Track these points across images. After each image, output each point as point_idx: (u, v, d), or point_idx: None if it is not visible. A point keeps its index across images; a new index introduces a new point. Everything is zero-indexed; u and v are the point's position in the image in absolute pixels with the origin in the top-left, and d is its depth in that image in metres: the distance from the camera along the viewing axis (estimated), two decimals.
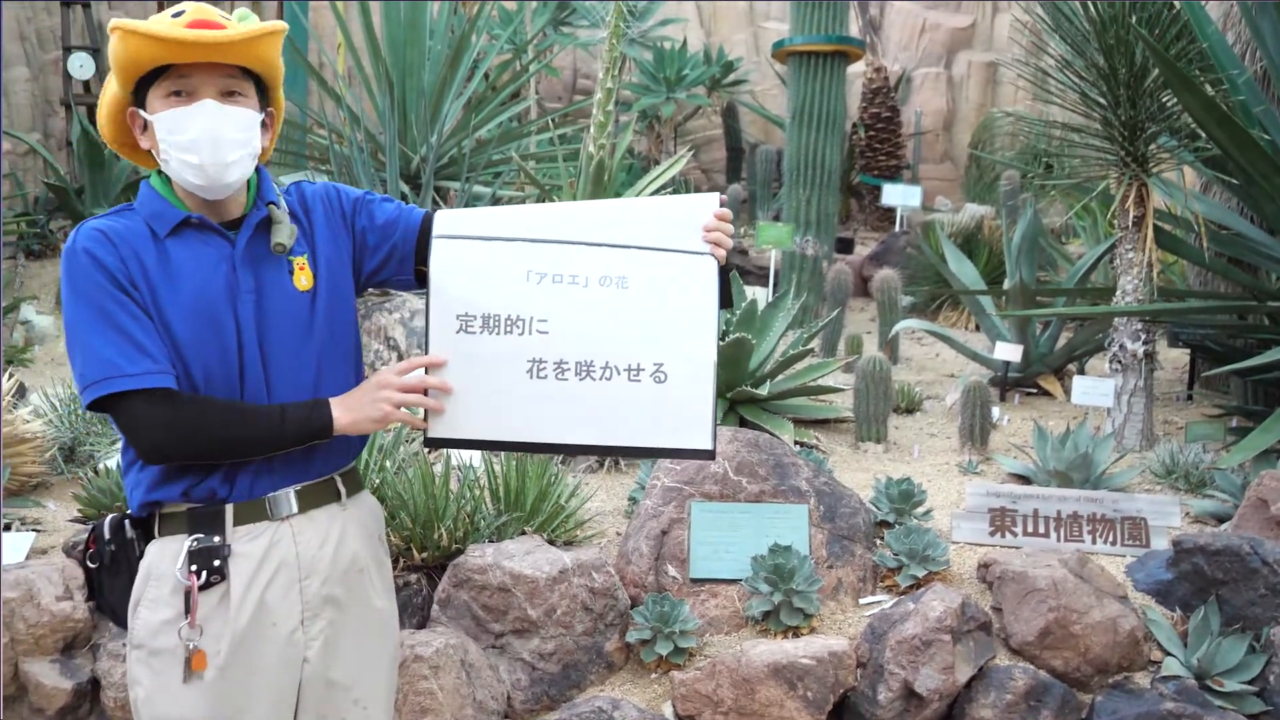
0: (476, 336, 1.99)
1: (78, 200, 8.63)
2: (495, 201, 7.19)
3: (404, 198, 6.92)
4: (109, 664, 3.34)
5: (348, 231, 2.08)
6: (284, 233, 1.96)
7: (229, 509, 1.92)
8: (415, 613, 3.50)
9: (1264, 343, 5.16)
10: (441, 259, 2.03)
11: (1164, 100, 4.96)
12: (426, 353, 2.02)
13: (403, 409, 1.95)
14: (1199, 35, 4.93)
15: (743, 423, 5.03)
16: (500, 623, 3.38)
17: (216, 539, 1.90)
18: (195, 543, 1.89)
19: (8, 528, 3.81)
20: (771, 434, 4.37)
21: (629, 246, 2.03)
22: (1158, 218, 5.29)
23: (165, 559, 1.91)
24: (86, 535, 2.02)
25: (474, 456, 4.14)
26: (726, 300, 2.06)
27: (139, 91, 1.92)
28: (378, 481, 3.66)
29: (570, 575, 3.41)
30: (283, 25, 1.94)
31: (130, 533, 1.96)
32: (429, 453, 3.97)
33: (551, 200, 6.23)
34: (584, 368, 1.99)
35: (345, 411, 1.93)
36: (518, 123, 9.19)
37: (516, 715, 3.32)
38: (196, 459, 1.89)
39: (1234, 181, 5.19)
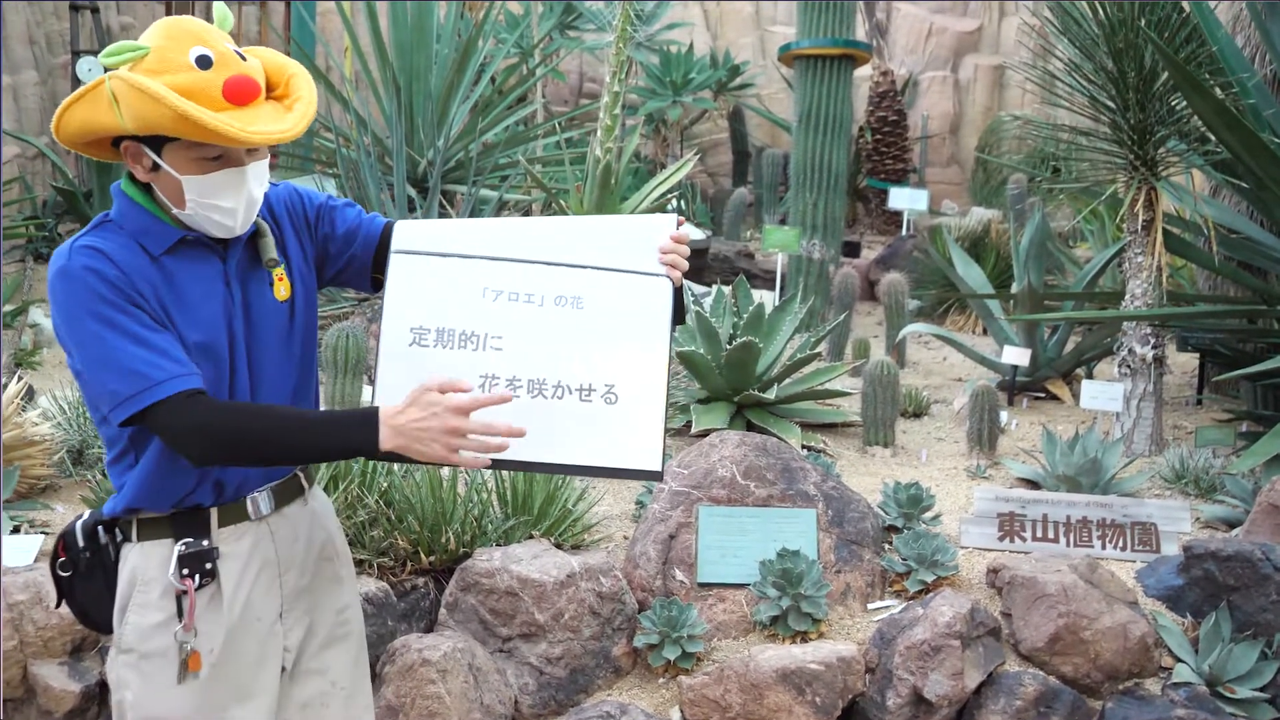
0: (429, 350, 2.01)
1: (86, 204, 8.64)
2: (502, 204, 7.19)
3: (411, 202, 6.92)
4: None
5: (311, 239, 2.10)
6: (272, 246, 1.98)
7: (213, 512, 1.95)
8: (423, 616, 3.50)
9: (1274, 347, 5.14)
10: (398, 273, 2.04)
11: (1173, 104, 4.94)
12: (377, 363, 2.03)
13: (456, 455, 1.85)
14: (1209, 38, 4.91)
15: (750, 427, 5.02)
16: (508, 627, 3.37)
17: (204, 542, 1.93)
18: (184, 547, 1.92)
19: (16, 530, 3.81)
20: (779, 438, 4.36)
21: (585, 267, 2.05)
22: (1167, 221, 5.27)
23: (151, 564, 1.93)
24: (55, 541, 2.01)
25: None
26: (679, 318, 2.08)
27: (153, 136, 1.85)
28: (385, 485, 3.65)
29: (578, 579, 3.40)
30: (313, 89, 1.94)
31: (104, 537, 1.97)
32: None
33: (559, 204, 6.22)
34: (536, 385, 2.00)
35: (395, 435, 1.83)
36: (524, 126, 9.19)
37: (524, 719, 3.31)
38: (238, 465, 1.91)
39: (1244, 185, 5.17)
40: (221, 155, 1.86)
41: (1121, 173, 5.14)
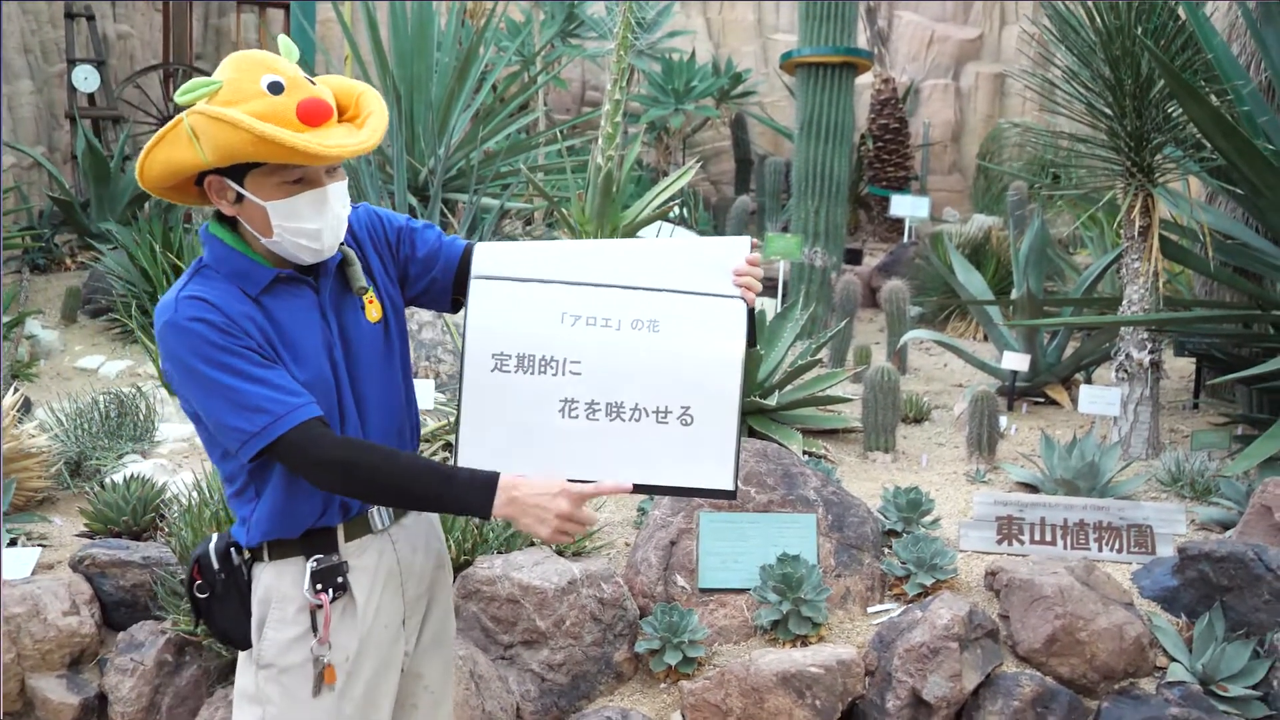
0: (511, 375, 2.05)
1: (83, 214, 8.67)
2: (504, 213, 7.22)
3: (412, 210, 6.96)
4: (116, 679, 3.36)
5: (394, 260, 2.15)
6: (360, 274, 2.03)
7: (340, 528, 2.03)
8: None
9: (1269, 351, 5.17)
10: (479, 299, 2.08)
11: (1170, 111, 4.98)
12: (461, 387, 2.07)
13: (564, 536, 1.94)
14: (1204, 46, 4.95)
15: (751, 433, 5.05)
16: (509, 634, 3.40)
17: (334, 557, 2.01)
18: (315, 563, 1.99)
19: (13, 543, 3.84)
20: (780, 444, 4.39)
21: (661, 290, 2.08)
22: (1164, 228, 5.30)
23: (285, 581, 2.00)
24: (191, 565, 2.08)
25: None
26: (751, 340, 2.11)
27: (235, 166, 1.89)
28: None
29: (579, 586, 3.43)
30: (384, 105, 1.99)
31: (237, 559, 2.03)
32: None
33: (560, 212, 6.25)
34: (614, 409, 2.04)
35: (509, 505, 1.90)
36: (526, 134, 9.23)
37: None
38: (357, 498, 1.97)
39: (1239, 192, 5.20)
40: (302, 179, 1.90)
41: (1119, 179, 5.17)
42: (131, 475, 4.06)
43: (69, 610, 3.41)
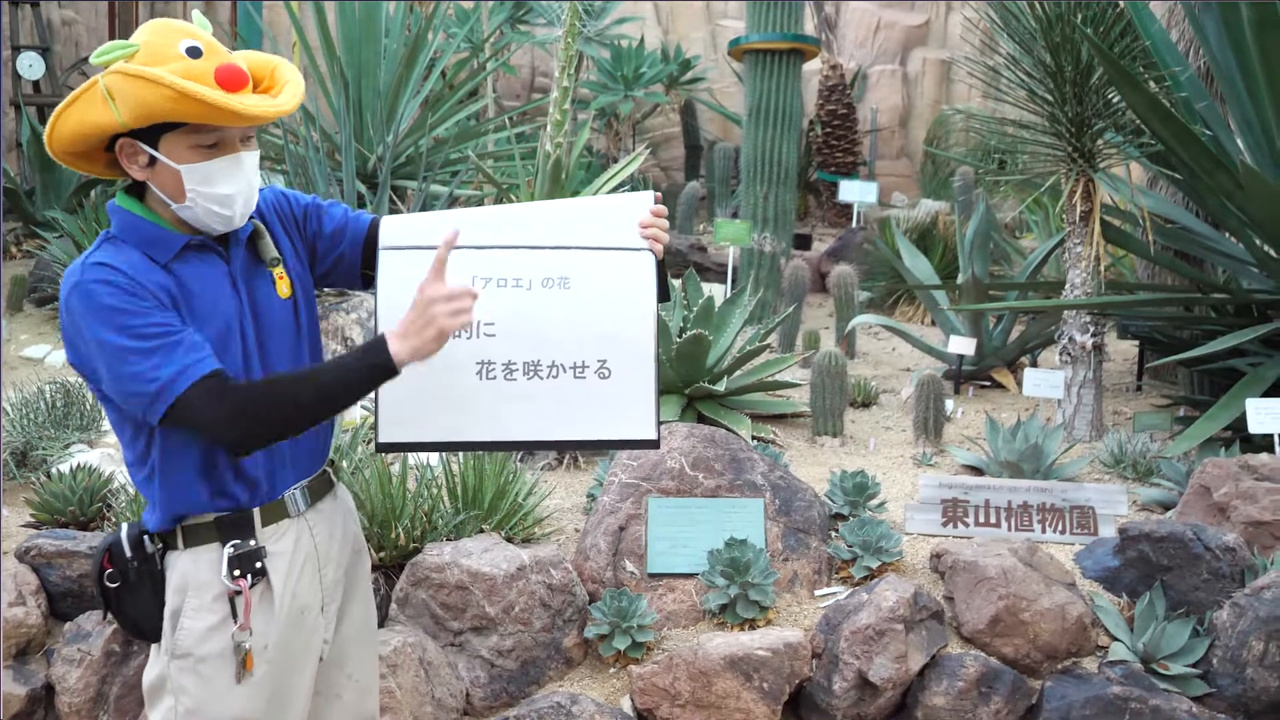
0: None
1: (28, 202, 8.51)
2: (453, 200, 7.18)
3: (360, 198, 6.90)
4: (63, 669, 3.32)
5: (301, 238, 2.14)
6: (271, 245, 2.03)
7: (256, 513, 2.00)
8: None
9: (1209, 334, 5.28)
10: (388, 270, 2.09)
11: (1109, 97, 5.05)
12: None
13: (459, 317, 1.89)
14: (1142, 33, 5.03)
15: (700, 419, 5.07)
16: (459, 621, 3.39)
17: (252, 542, 1.98)
18: (233, 548, 1.96)
19: None
20: (729, 429, 4.41)
21: (569, 247, 2.10)
22: (1105, 212, 5.39)
23: (202, 568, 1.96)
24: (100, 555, 2.02)
25: (431, 455, 4.15)
26: (665, 294, 2.14)
27: (149, 129, 1.87)
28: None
29: (528, 572, 3.43)
30: (298, 73, 1.99)
31: (150, 547, 1.99)
32: (386, 456, 3.96)
33: (510, 199, 6.23)
34: (531, 367, 2.07)
35: (402, 341, 1.88)
36: (475, 121, 9.17)
37: (476, 712, 3.34)
38: (278, 437, 1.91)
39: (1178, 176, 5.30)
40: (217, 143, 1.89)
41: (1061, 164, 5.25)
42: (78, 465, 4.01)
43: (15, 601, 3.37)
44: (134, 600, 2.01)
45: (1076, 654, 3.40)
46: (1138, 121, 5.00)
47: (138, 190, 1.97)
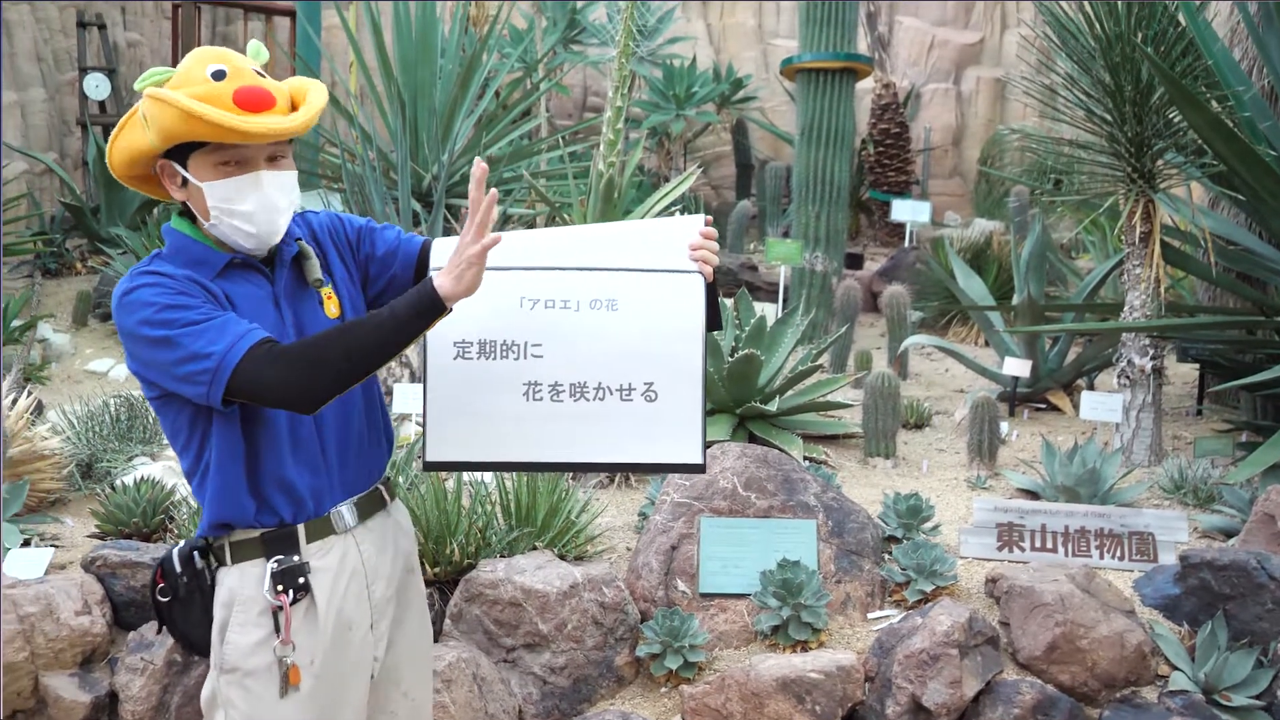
0: (473, 362, 2.08)
1: (93, 219, 8.72)
2: (506, 219, 7.24)
3: (415, 216, 6.98)
4: (126, 677, 3.38)
5: (354, 260, 2.18)
6: (317, 267, 2.07)
7: (301, 529, 2.02)
8: None
9: (1272, 358, 5.18)
10: None
11: (1170, 117, 4.99)
12: (425, 379, 2.09)
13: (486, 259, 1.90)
14: (1204, 52, 4.96)
15: (752, 438, 5.06)
16: (512, 637, 3.41)
17: (295, 558, 2.00)
18: (276, 564, 1.98)
19: (26, 543, 3.87)
20: (780, 449, 4.40)
21: (618, 269, 2.10)
22: (1165, 233, 5.32)
23: (248, 583, 2.00)
24: (154, 570, 2.09)
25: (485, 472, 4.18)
26: (716, 321, 2.12)
27: (179, 148, 1.95)
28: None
29: (581, 590, 3.44)
30: (325, 97, 2.02)
31: (199, 563, 2.03)
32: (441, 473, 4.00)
33: (562, 218, 6.28)
34: (578, 389, 2.07)
35: (448, 278, 1.89)
36: (528, 140, 9.25)
37: None
38: (338, 388, 1.91)
39: (1240, 197, 5.21)
40: (239, 161, 1.94)
41: (1120, 185, 5.19)
42: (141, 477, 4.09)
43: (81, 610, 3.44)
44: (185, 615, 2.06)
45: (1135, 683, 3.34)
46: (1199, 142, 4.93)
47: (191, 214, 2.04)
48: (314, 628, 2.01)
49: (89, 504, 4.28)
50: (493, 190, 1.88)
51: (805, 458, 4.87)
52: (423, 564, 3.56)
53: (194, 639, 2.07)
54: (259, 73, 1.98)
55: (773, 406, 5.09)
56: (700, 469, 2.10)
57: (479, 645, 3.43)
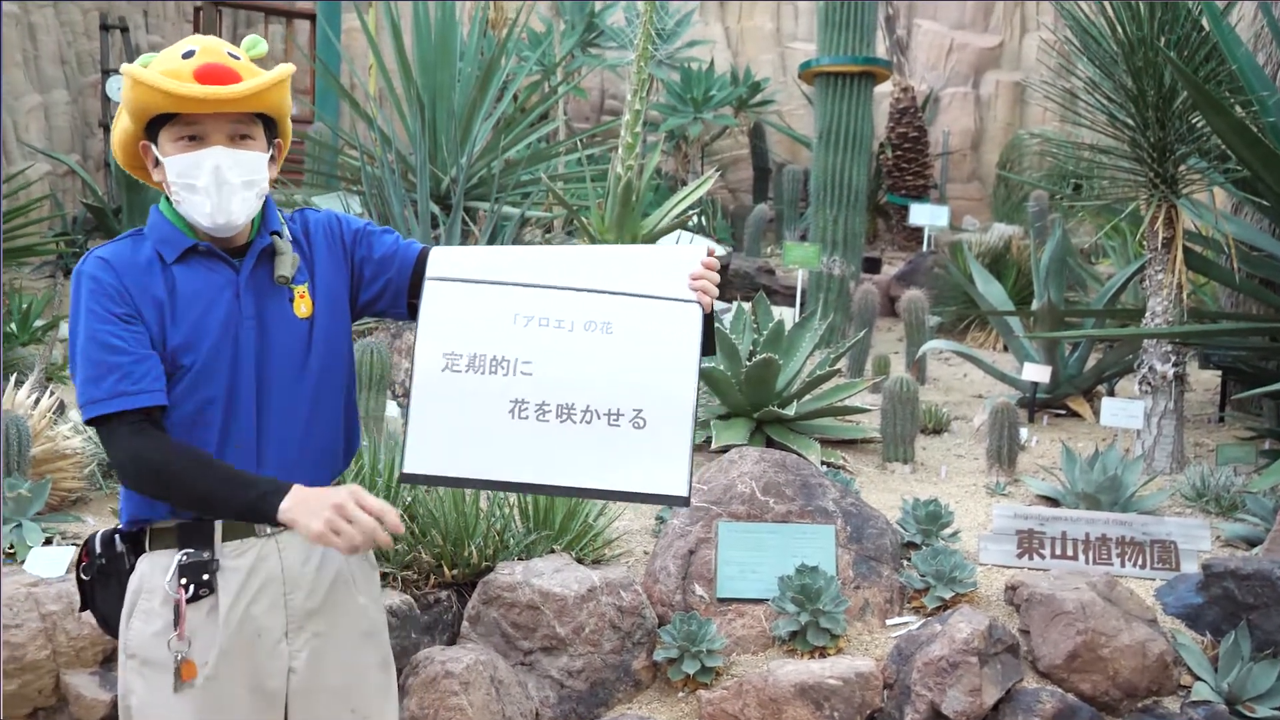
0: (461, 375, 2.03)
1: (115, 220, 8.77)
2: (524, 221, 7.25)
3: (434, 219, 7.00)
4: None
5: (347, 262, 2.14)
6: (286, 264, 2.02)
7: (218, 525, 1.98)
8: (445, 629, 3.54)
9: None
10: (432, 299, 2.07)
11: (1193, 122, 4.96)
12: (410, 388, 2.06)
13: (336, 536, 1.83)
14: (1228, 57, 4.93)
15: (769, 443, 5.05)
16: (529, 640, 3.41)
17: (205, 554, 1.96)
18: (185, 557, 1.95)
19: (48, 542, 3.88)
20: (798, 454, 4.39)
21: (615, 293, 2.07)
22: (1188, 239, 5.28)
23: (156, 572, 1.97)
24: (80, 548, 2.08)
25: None
26: (710, 348, 2.09)
27: (151, 127, 1.98)
28: (409, 500, 3.70)
29: (598, 594, 3.43)
30: (289, 70, 2.01)
31: (120, 546, 2.02)
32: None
33: (580, 220, 6.28)
34: (565, 410, 2.02)
35: (296, 505, 1.87)
36: (546, 144, 9.26)
37: None
38: (155, 497, 1.95)
39: (1265, 203, 5.18)
40: (198, 138, 1.96)
41: (1142, 190, 5.15)
42: None
43: None
44: (103, 596, 2.05)
45: (1157, 693, 3.32)
46: (1223, 147, 4.90)
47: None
48: (214, 627, 1.96)
49: (110, 503, 4.30)
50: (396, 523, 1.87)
51: (823, 462, 4.86)
52: (441, 566, 3.57)
53: (111, 621, 2.05)
54: (233, 55, 1.98)
55: (790, 411, 5.07)
56: (685, 502, 2.04)
57: (496, 648, 3.42)
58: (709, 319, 2.09)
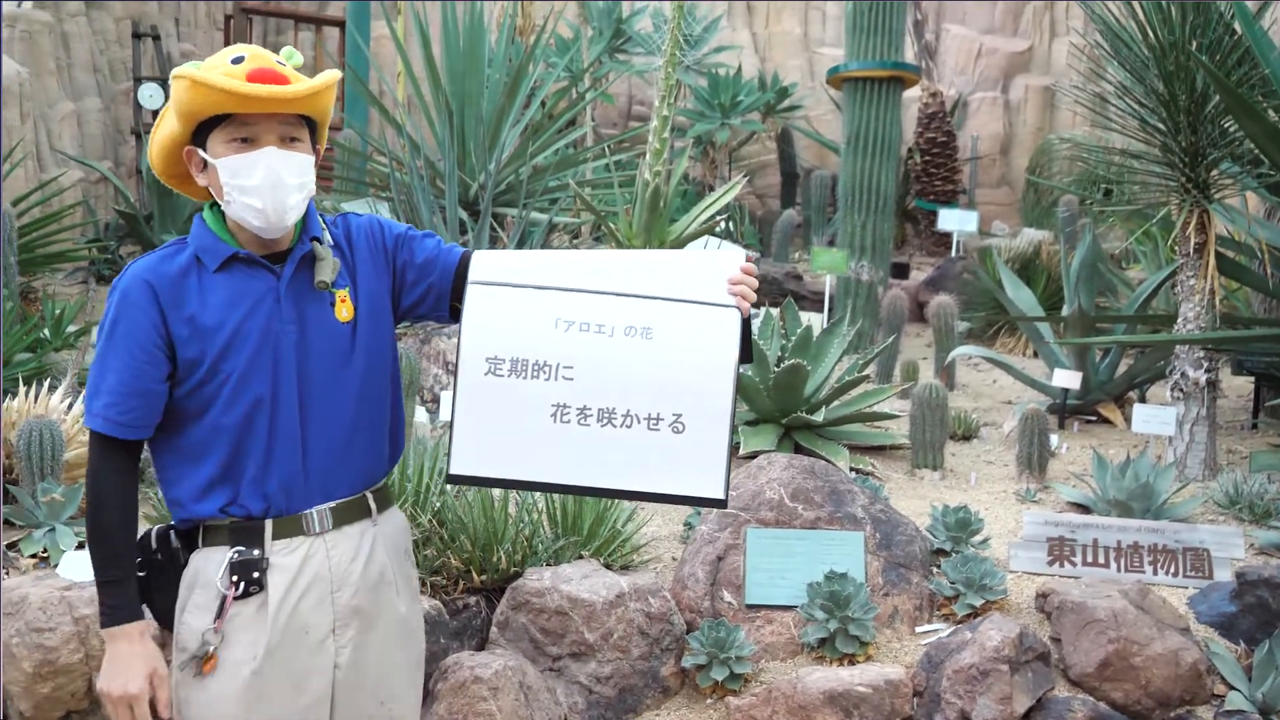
0: (504, 379, 2.07)
1: (146, 226, 8.86)
2: (552, 227, 7.27)
3: (462, 224, 7.03)
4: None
5: (389, 266, 2.17)
6: (327, 269, 2.05)
7: (268, 524, 2.03)
8: (474, 634, 3.55)
9: None
10: (475, 304, 2.11)
11: (1225, 126, 4.92)
12: (455, 392, 2.09)
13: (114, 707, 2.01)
14: (1261, 60, 4.88)
15: (798, 449, 5.04)
16: (558, 645, 3.42)
17: (256, 552, 2.01)
18: (236, 554, 2.01)
19: (81, 546, 3.93)
20: (827, 460, 4.38)
21: (655, 298, 2.10)
22: (1220, 244, 5.23)
23: (209, 568, 2.03)
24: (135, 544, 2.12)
25: None
26: (748, 354, 2.11)
27: (199, 132, 2.00)
28: (438, 505, 3.72)
29: (627, 599, 3.44)
30: (337, 75, 2.05)
31: (175, 542, 2.08)
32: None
33: (608, 226, 6.29)
34: (606, 414, 2.06)
35: (111, 640, 2.02)
36: (574, 150, 9.29)
37: None
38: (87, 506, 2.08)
39: None
40: (251, 139, 1.98)
41: (1173, 195, 5.11)
42: None
43: None
44: (160, 591, 2.10)
45: (1190, 702, 3.29)
46: (1256, 151, 4.85)
47: (219, 206, 2.08)
48: (263, 623, 2.00)
49: (142, 507, 4.33)
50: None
51: (852, 469, 4.84)
52: (470, 572, 3.58)
53: (167, 617, 2.10)
54: (279, 63, 2.02)
55: (819, 417, 5.06)
56: (722, 504, 2.09)
57: (525, 653, 3.43)
58: (746, 323, 2.11)
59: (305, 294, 2.05)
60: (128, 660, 1.99)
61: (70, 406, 4.52)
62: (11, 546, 3.87)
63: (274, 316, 2.02)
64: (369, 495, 2.15)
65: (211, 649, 1.99)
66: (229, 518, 2.02)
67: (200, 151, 2.01)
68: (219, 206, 2.06)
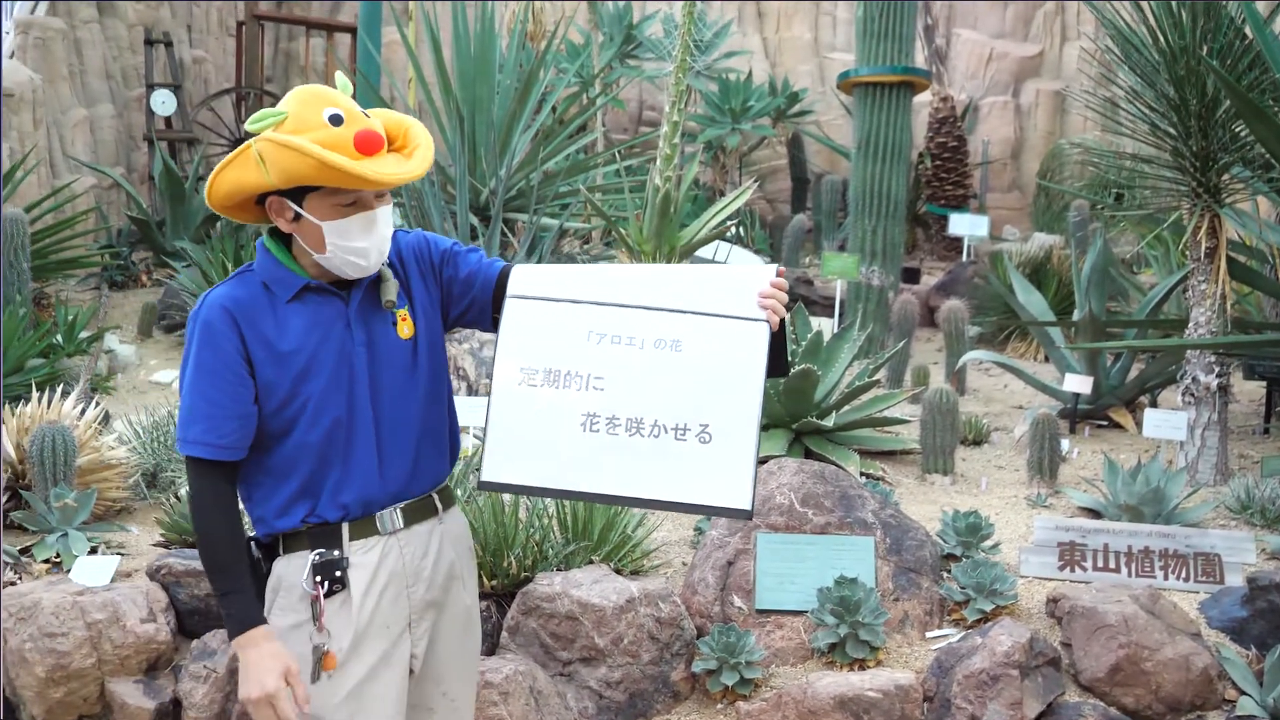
0: (537, 389, 2.14)
1: (159, 232, 8.91)
2: (563, 233, 7.29)
3: (473, 230, 7.05)
4: (190, 685, 3.44)
5: (437, 282, 2.28)
6: (391, 290, 2.17)
7: (345, 527, 2.15)
8: (485, 639, 3.56)
9: None
10: (511, 316, 2.19)
11: (1236, 130, 4.90)
12: (490, 400, 2.18)
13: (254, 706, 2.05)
14: (1272, 65, 4.86)
15: (808, 454, 5.04)
16: (568, 651, 3.42)
17: (336, 552, 2.13)
18: (318, 556, 2.12)
19: (94, 551, 3.95)
20: (837, 465, 4.38)
21: (685, 311, 2.15)
22: (1231, 249, 5.21)
23: (292, 571, 2.14)
24: None
25: None
26: (784, 368, 2.16)
27: (294, 189, 2.07)
28: None
29: (637, 604, 3.44)
30: (430, 140, 2.16)
31: (256, 553, 2.19)
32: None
33: (618, 232, 6.31)
34: (634, 424, 2.12)
35: (245, 646, 2.06)
36: (585, 155, 9.30)
37: None
38: (192, 529, 2.17)
39: None
40: (355, 201, 2.08)
41: (1184, 199, 5.10)
42: None
43: (146, 617, 3.51)
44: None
45: (1201, 707, 3.28)
46: (1267, 155, 4.84)
47: (279, 234, 2.17)
48: (346, 621, 2.11)
49: (154, 513, 4.36)
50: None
51: (862, 474, 4.84)
52: (480, 577, 3.59)
53: None
54: (362, 112, 2.10)
55: (829, 422, 5.06)
56: (748, 515, 2.13)
57: (535, 658, 3.44)
58: (779, 336, 2.15)
59: (370, 315, 2.18)
60: (259, 663, 2.05)
61: (83, 412, 4.55)
62: (24, 551, 3.90)
63: (346, 340, 2.14)
64: (435, 495, 2.27)
65: (325, 648, 2.10)
66: (307, 524, 2.14)
67: (293, 205, 2.08)
68: (278, 232, 2.16)
